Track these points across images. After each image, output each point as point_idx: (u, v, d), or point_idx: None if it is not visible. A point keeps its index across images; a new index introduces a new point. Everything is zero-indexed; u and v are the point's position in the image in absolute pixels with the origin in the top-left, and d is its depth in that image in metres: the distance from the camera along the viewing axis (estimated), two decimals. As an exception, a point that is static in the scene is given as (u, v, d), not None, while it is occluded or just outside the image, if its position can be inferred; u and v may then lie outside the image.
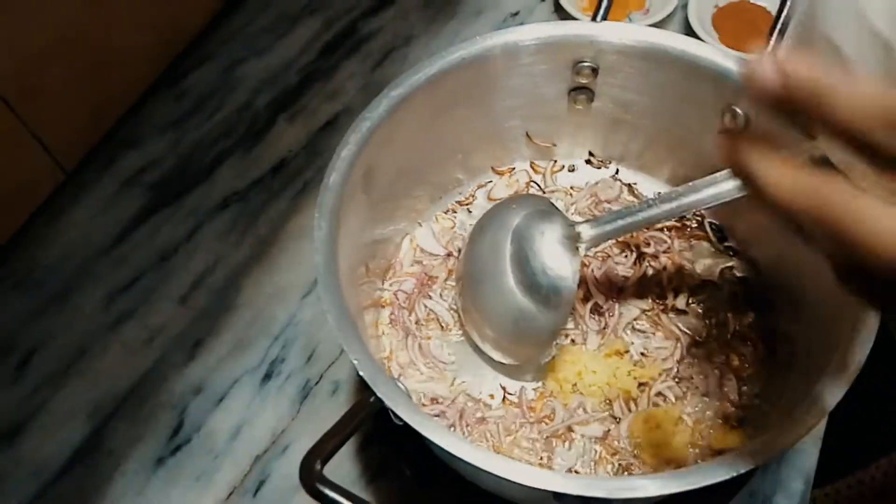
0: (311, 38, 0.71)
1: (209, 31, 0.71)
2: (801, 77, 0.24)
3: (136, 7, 0.63)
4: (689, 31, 0.67)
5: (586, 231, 0.42)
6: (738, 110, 0.42)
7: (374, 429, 0.49)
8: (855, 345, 0.34)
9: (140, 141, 0.65)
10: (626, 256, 0.49)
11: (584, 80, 0.46)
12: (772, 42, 0.41)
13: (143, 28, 0.65)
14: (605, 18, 0.44)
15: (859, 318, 0.34)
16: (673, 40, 0.44)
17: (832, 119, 0.23)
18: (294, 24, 0.72)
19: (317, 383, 0.53)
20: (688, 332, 0.46)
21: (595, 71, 0.45)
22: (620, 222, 0.41)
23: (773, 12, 0.67)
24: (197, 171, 0.63)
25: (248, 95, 0.68)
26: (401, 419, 0.33)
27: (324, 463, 0.30)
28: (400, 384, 0.34)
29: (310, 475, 0.29)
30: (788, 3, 0.41)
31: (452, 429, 0.43)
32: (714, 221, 0.50)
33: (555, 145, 0.52)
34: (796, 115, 0.24)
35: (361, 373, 0.33)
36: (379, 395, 0.31)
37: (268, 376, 0.54)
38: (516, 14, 0.73)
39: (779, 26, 0.39)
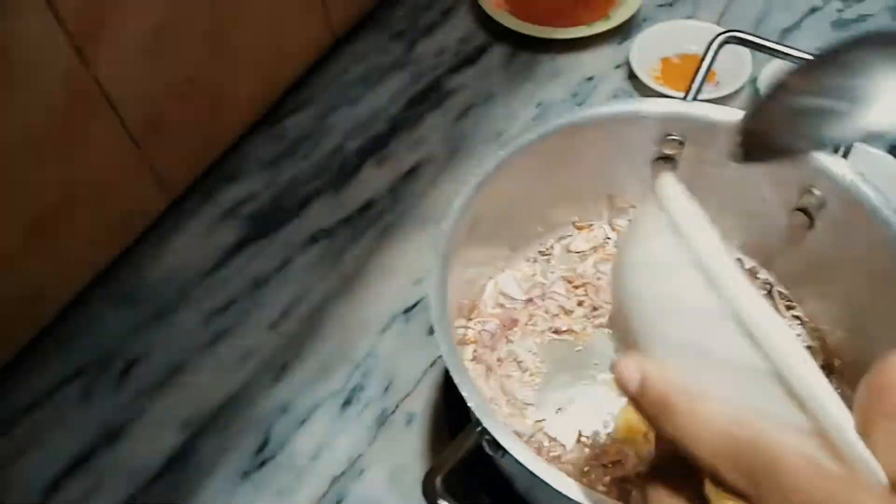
0: (400, 91, 0.77)
1: (307, 79, 0.77)
2: (653, 387, 0.24)
3: (248, 55, 0.69)
4: (756, 107, 0.71)
5: None
6: (816, 191, 0.46)
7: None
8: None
9: (240, 176, 0.70)
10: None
11: (670, 151, 0.50)
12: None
13: (252, 74, 0.71)
14: (695, 98, 0.48)
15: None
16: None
17: (678, 443, 0.23)
18: (384, 76, 0.78)
19: (392, 413, 0.57)
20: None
21: (682, 143, 0.49)
22: None
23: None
24: (290, 207, 0.68)
25: (339, 140, 0.73)
26: (500, 449, 0.36)
27: (444, 481, 0.33)
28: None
29: (432, 491, 0.32)
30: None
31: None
32: (782, 290, 0.53)
33: (633, 207, 0.56)
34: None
35: (470, 404, 0.36)
36: (487, 426, 0.35)
37: (347, 402, 0.57)
38: (591, 79, 0.78)
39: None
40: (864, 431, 0.22)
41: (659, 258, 0.25)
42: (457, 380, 0.36)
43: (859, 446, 0.22)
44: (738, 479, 0.22)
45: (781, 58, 0.53)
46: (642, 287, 0.26)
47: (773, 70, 0.72)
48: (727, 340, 0.23)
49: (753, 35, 0.54)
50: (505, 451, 0.36)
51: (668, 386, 0.24)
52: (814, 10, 0.82)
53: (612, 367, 0.25)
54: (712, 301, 0.23)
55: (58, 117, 0.54)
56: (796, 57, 0.49)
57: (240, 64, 0.68)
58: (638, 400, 0.24)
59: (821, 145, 0.25)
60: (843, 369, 0.49)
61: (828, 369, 0.50)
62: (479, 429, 0.36)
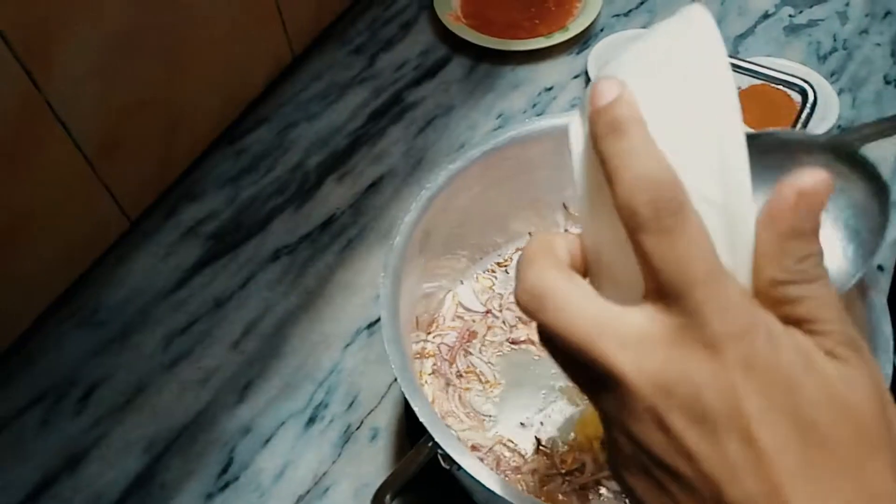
0: (360, 105, 0.77)
1: (266, 95, 0.77)
2: (621, 108, 0.23)
3: (205, 72, 0.69)
4: (712, 113, 0.72)
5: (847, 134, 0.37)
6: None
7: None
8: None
9: (200, 194, 0.70)
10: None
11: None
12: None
13: (210, 91, 0.71)
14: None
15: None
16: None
17: (606, 165, 0.23)
18: (344, 92, 0.78)
19: (357, 429, 0.57)
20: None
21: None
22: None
23: (794, 97, 0.72)
24: (251, 225, 0.68)
25: (300, 156, 0.73)
26: (454, 463, 0.36)
27: (392, 497, 0.33)
28: (452, 431, 0.38)
29: (381, 508, 0.32)
30: (811, 99, 0.46)
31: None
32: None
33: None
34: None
35: (422, 419, 0.36)
36: (438, 441, 0.35)
37: (311, 420, 0.57)
38: (550, 89, 0.78)
39: (800, 123, 0.43)
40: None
41: (663, 64, 0.24)
42: (408, 395, 0.37)
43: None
44: (642, 209, 0.22)
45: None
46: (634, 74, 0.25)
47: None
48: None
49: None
50: (459, 465, 0.36)
51: (634, 111, 0.23)
52: (767, 15, 0.84)
53: (593, 86, 0.24)
54: (700, 119, 0.23)
55: (9, 139, 0.53)
56: (738, 66, 0.50)
57: (197, 82, 0.68)
58: (600, 113, 0.23)
59: None
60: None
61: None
62: (432, 443, 0.36)
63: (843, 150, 0.32)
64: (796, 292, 0.22)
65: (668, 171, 0.22)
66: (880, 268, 0.60)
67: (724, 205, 0.22)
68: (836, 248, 0.32)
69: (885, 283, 0.58)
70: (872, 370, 0.22)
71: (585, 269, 0.26)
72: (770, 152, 0.30)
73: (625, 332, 0.22)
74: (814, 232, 0.22)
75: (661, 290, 0.22)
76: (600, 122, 0.23)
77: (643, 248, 0.22)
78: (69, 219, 0.60)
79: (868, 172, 0.31)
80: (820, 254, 0.22)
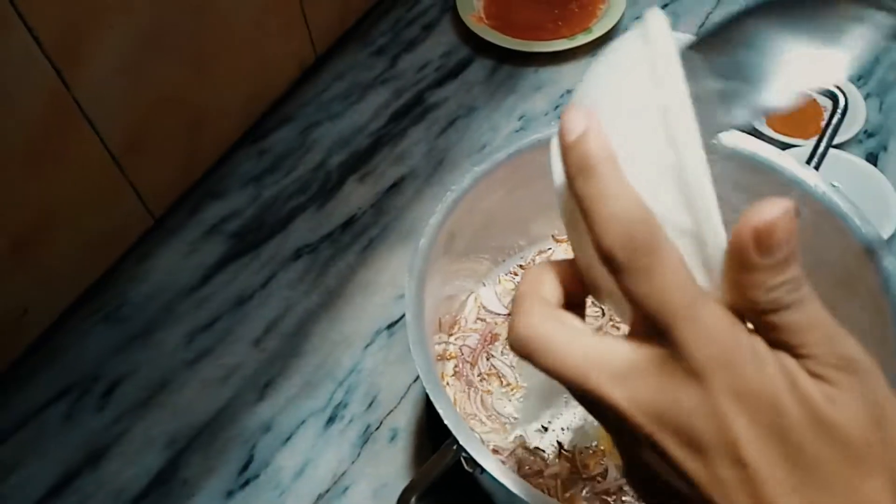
0: (382, 106, 0.77)
1: (290, 95, 0.78)
2: (589, 142, 0.23)
3: (230, 73, 0.69)
4: (736, 117, 0.72)
5: None
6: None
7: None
8: None
9: (223, 192, 0.70)
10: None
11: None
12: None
13: (234, 91, 0.71)
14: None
15: None
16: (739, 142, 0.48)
17: (582, 203, 0.23)
18: (366, 92, 0.78)
19: (377, 429, 0.57)
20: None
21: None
22: None
23: (821, 103, 0.71)
24: (273, 223, 0.68)
25: (322, 156, 0.73)
26: (478, 466, 0.36)
27: (420, 499, 0.33)
28: (476, 434, 0.38)
29: (406, 509, 0.32)
30: (841, 105, 0.45)
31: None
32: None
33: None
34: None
35: (447, 422, 0.36)
36: (463, 445, 0.35)
37: (331, 419, 0.57)
38: (572, 91, 0.78)
39: (830, 129, 0.43)
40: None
41: (626, 91, 0.24)
42: (433, 398, 0.37)
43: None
44: (618, 252, 0.22)
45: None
46: (601, 100, 0.25)
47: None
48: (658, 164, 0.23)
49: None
50: (482, 469, 0.36)
51: (603, 147, 0.23)
52: (792, 19, 0.83)
53: (561, 114, 0.24)
54: (664, 150, 0.23)
55: (38, 137, 0.54)
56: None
57: (221, 82, 0.69)
58: (569, 150, 0.23)
59: (720, 130, 0.25)
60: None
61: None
62: (456, 446, 0.36)
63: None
64: (772, 320, 0.22)
65: (640, 209, 0.22)
66: None
67: (697, 232, 0.22)
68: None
69: None
70: (867, 388, 0.22)
71: (583, 290, 0.27)
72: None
73: (615, 366, 0.23)
74: (781, 264, 0.21)
75: (644, 322, 0.23)
76: (570, 160, 0.23)
77: (623, 287, 0.23)
78: (95, 216, 0.61)
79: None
80: (795, 278, 0.22)
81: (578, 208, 0.23)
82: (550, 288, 0.26)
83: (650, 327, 0.22)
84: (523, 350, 0.24)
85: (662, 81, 0.23)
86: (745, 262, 0.22)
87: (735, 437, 0.22)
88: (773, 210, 0.21)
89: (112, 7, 0.55)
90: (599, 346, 0.23)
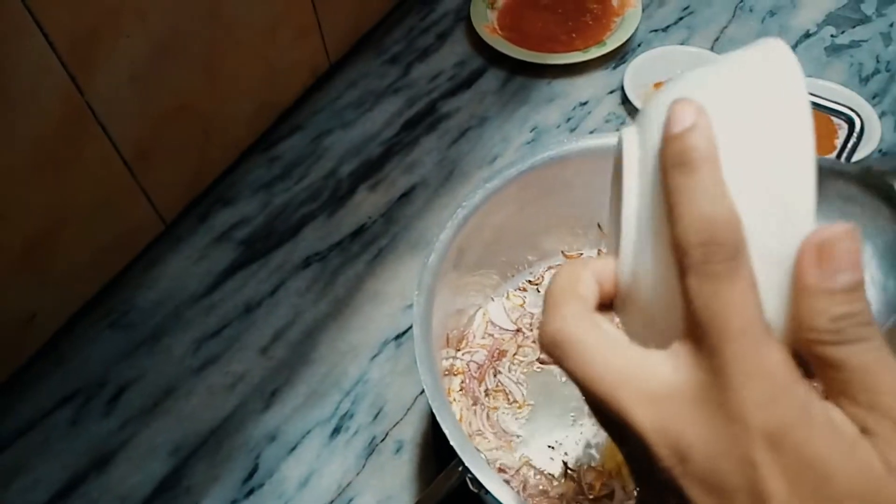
0: (394, 115, 0.77)
1: (301, 103, 0.78)
2: (701, 136, 0.22)
3: (242, 80, 0.69)
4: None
5: (880, 164, 0.33)
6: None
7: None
8: None
9: (234, 199, 0.70)
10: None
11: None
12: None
13: (246, 98, 0.71)
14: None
15: None
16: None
17: (672, 197, 0.22)
18: (379, 100, 0.78)
19: (382, 441, 0.57)
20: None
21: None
22: None
23: (835, 121, 0.71)
24: (283, 231, 0.68)
25: (333, 164, 0.73)
26: (483, 488, 0.36)
27: (422, 523, 0.33)
28: (481, 454, 0.38)
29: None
30: (857, 128, 0.45)
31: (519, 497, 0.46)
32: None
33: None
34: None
35: (452, 442, 0.36)
36: (468, 466, 0.35)
37: (337, 430, 0.57)
38: (585, 104, 0.78)
39: (846, 153, 0.42)
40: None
41: (744, 104, 0.23)
42: (439, 417, 0.37)
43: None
44: (696, 249, 0.21)
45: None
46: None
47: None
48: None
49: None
50: (487, 490, 0.36)
51: (710, 146, 0.21)
52: (808, 35, 0.82)
53: (672, 103, 0.22)
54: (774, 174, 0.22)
55: (51, 142, 0.54)
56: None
57: (234, 89, 0.69)
58: (674, 140, 0.22)
59: None
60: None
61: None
62: (462, 467, 0.36)
63: (873, 183, 0.30)
64: (834, 354, 0.20)
65: (732, 215, 0.21)
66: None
67: (781, 258, 0.21)
68: (874, 282, 0.31)
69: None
70: None
71: (614, 296, 0.25)
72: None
73: (648, 387, 0.21)
74: (849, 290, 0.20)
75: (695, 334, 0.21)
76: (673, 149, 0.22)
77: (687, 288, 0.21)
78: (106, 221, 0.61)
79: None
80: (861, 313, 0.20)
81: (665, 200, 0.22)
82: (587, 286, 0.24)
83: (698, 341, 0.21)
84: (553, 350, 0.23)
85: (788, 106, 0.22)
86: (807, 284, 0.20)
87: (769, 494, 0.19)
88: (834, 229, 0.20)
89: (127, 14, 0.56)
90: (638, 361, 0.22)
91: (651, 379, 0.21)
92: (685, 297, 0.21)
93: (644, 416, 0.21)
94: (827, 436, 0.20)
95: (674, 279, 0.22)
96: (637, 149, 0.24)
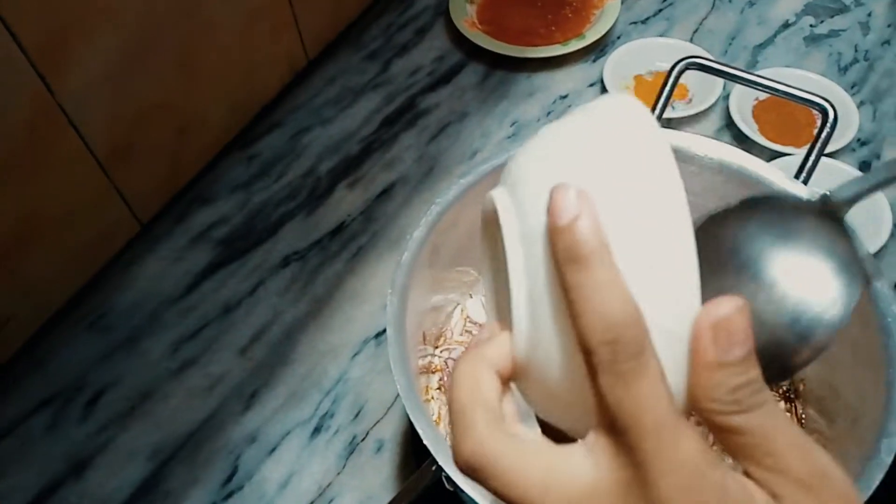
0: (373, 111, 0.77)
1: (279, 101, 0.77)
2: (584, 229, 0.21)
3: (219, 78, 0.68)
4: (730, 123, 0.71)
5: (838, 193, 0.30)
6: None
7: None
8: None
9: (211, 199, 0.70)
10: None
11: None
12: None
13: (223, 96, 0.70)
14: (659, 120, 0.48)
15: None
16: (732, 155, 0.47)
17: (574, 307, 0.22)
18: (358, 97, 0.78)
19: (363, 440, 0.56)
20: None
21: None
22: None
23: (815, 111, 0.71)
24: (262, 230, 0.68)
25: (311, 162, 0.73)
26: (456, 486, 0.35)
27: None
28: (456, 452, 0.37)
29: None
30: (831, 118, 0.45)
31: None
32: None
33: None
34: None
35: (426, 442, 0.36)
36: (442, 465, 0.34)
37: (317, 430, 0.57)
38: (565, 97, 0.78)
39: (820, 142, 0.42)
40: None
41: (617, 171, 0.23)
42: (413, 417, 0.36)
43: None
44: (602, 350, 0.21)
45: (741, 83, 0.53)
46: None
47: (743, 88, 0.72)
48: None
49: (713, 61, 0.54)
50: (461, 489, 0.35)
51: (598, 235, 0.21)
52: (787, 25, 0.82)
53: (552, 192, 0.22)
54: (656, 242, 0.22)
55: (22, 144, 0.53)
56: (754, 82, 0.49)
57: (210, 87, 0.68)
58: (561, 233, 0.21)
59: None
60: (806, 394, 0.49)
61: (794, 392, 0.50)
62: (435, 466, 0.36)
63: (830, 214, 0.30)
64: (735, 423, 0.21)
65: (632, 310, 0.21)
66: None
67: (674, 335, 0.21)
68: (823, 279, 0.29)
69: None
70: None
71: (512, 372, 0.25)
72: (763, 211, 0.29)
73: (572, 492, 0.21)
74: (743, 361, 0.21)
75: (613, 430, 0.21)
76: (563, 243, 0.21)
77: (598, 386, 0.21)
78: (80, 222, 0.61)
79: (851, 241, 0.30)
80: (756, 381, 0.21)
81: (565, 297, 0.22)
82: (490, 390, 0.24)
83: (616, 435, 0.21)
84: (472, 473, 0.23)
85: (657, 169, 0.22)
86: (705, 360, 0.21)
87: None
88: (726, 307, 0.21)
89: (98, 13, 0.55)
90: (556, 465, 0.22)
91: (574, 482, 0.22)
92: (596, 392, 0.22)
93: None
94: None
95: (574, 358, 0.22)
96: (517, 225, 0.24)
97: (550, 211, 0.22)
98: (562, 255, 0.22)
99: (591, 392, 0.22)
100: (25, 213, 0.56)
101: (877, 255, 0.60)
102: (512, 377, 0.25)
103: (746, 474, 0.22)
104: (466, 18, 0.81)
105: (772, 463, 0.21)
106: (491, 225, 0.26)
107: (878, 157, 0.69)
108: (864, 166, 0.68)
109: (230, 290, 0.64)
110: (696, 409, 0.22)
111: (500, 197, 0.24)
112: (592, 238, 0.21)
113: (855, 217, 0.36)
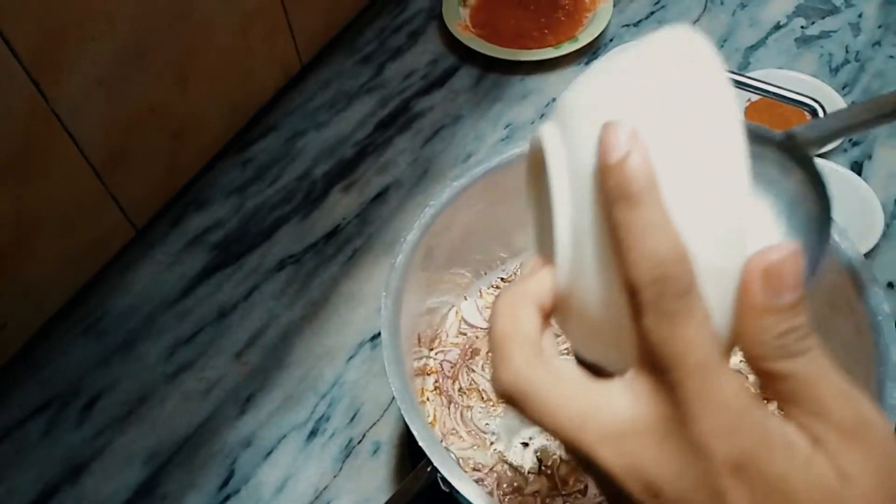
0: (367, 115, 0.77)
1: (274, 105, 0.77)
2: (638, 168, 0.21)
3: (213, 82, 0.69)
4: (721, 126, 0.72)
5: (804, 132, 0.31)
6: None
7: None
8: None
9: (206, 203, 0.70)
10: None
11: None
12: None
13: (217, 101, 0.71)
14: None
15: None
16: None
17: (619, 234, 0.22)
18: (352, 101, 0.78)
19: (359, 443, 0.56)
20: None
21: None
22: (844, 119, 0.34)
23: (806, 112, 0.71)
24: (257, 234, 0.68)
25: (306, 165, 0.73)
26: (452, 487, 0.36)
27: (389, 525, 0.33)
28: (451, 454, 0.38)
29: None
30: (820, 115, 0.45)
31: (490, 496, 0.46)
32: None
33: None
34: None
35: (421, 444, 0.36)
36: (437, 466, 0.34)
37: (313, 433, 0.57)
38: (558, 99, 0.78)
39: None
40: None
41: (671, 109, 0.22)
42: (408, 419, 0.36)
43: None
44: (648, 289, 0.21)
45: (734, 86, 0.54)
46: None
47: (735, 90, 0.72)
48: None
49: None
50: (457, 490, 0.36)
51: (648, 174, 0.21)
52: (778, 26, 0.83)
53: (603, 129, 0.22)
54: (709, 179, 0.21)
55: (16, 150, 0.53)
56: (745, 84, 0.50)
57: (204, 91, 0.68)
58: (611, 172, 0.21)
59: None
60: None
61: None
62: (431, 467, 0.36)
63: (792, 147, 0.31)
64: (781, 368, 0.21)
65: (679, 248, 0.21)
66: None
67: (723, 276, 0.21)
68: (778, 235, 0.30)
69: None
70: (883, 460, 0.21)
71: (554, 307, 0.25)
72: None
73: (611, 426, 0.22)
74: (792, 307, 0.21)
75: (652, 368, 0.21)
76: (612, 181, 0.21)
77: (642, 325, 0.21)
78: (75, 227, 0.61)
79: (817, 181, 0.30)
80: (803, 327, 0.21)
81: (613, 234, 0.22)
82: (529, 322, 0.24)
83: (658, 374, 0.21)
84: (512, 402, 0.23)
85: (715, 106, 0.22)
86: (753, 304, 0.21)
87: None
88: (781, 251, 0.21)
89: (92, 18, 0.55)
90: (596, 399, 0.22)
91: (612, 416, 0.22)
92: (639, 330, 0.22)
93: (611, 456, 0.22)
94: (785, 456, 0.20)
95: (617, 292, 0.22)
96: (564, 158, 0.23)
97: (601, 148, 0.22)
98: (612, 193, 0.21)
99: (633, 329, 0.22)
100: (20, 218, 0.56)
101: (868, 255, 0.61)
102: (553, 312, 0.25)
103: (789, 417, 0.21)
104: (460, 22, 0.82)
105: (816, 408, 0.21)
106: (538, 159, 0.25)
107: (869, 157, 0.70)
108: (856, 167, 0.69)
109: (225, 294, 0.64)
110: (741, 351, 0.22)
111: (549, 130, 0.24)
112: (643, 176, 0.21)
113: (847, 217, 0.36)
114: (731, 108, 0.22)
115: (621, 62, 0.24)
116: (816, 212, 0.29)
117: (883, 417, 0.21)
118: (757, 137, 0.30)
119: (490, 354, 0.24)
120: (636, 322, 0.21)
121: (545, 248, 0.26)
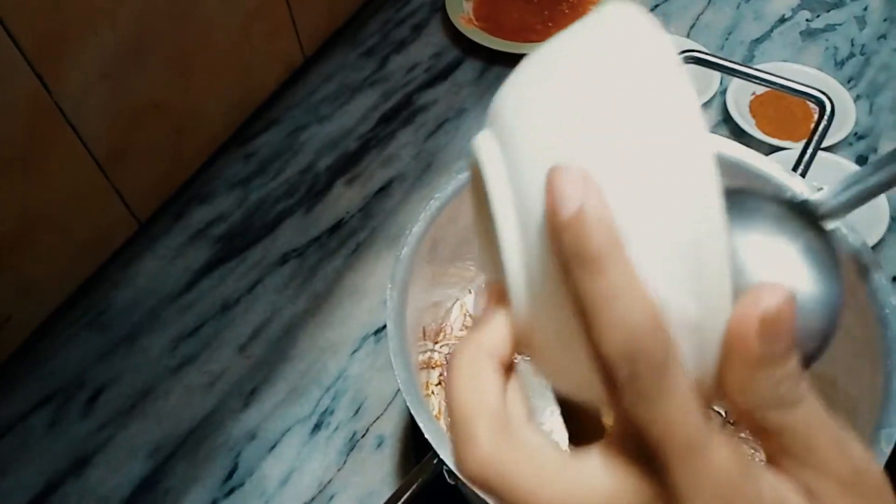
0: (370, 108, 0.77)
1: (277, 98, 0.77)
2: (593, 219, 0.18)
3: (216, 76, 0.68)
4: (727, 117, 0.71)
5: (828, 200, 0.29)
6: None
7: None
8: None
9: (209, 196, 0.70)
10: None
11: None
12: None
13: (220, 94, 0.70)
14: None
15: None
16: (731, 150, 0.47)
17: (588, 310, 0.19)
18: (355, 94, 0.78)
19: (363, 436, 0.56)
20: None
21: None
22: (872, 180, 0.30)
23: (812, 105, 0.71)
24: (260, 227, 0.68)
25: (310, 159, 0.73)
26: (459, 479, 0.36)
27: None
28: (457, 446, 0.37)
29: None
30: (828, 111, 0.45)
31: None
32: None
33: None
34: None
35: (427, 436, 0.36)
36: (444, 459, 0.34)
37: (317, 426, 0.57)
38: (562, 94, 0.78)
39: (817, 135, 0.42)
40: None
41: (629, 134, 0.18)
42: (413, 411, 0.36)
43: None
44: (621, 367, 0.18)
45: (738, 76, 0.54)
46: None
47: (740, 82, 0.72)
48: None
49: (710, 55, 0.54)
50: (463, 482, 0.35)
51: (609, 230, 0.18)
52: (783, 20, 0.82)
53: (549, 175, 0.18)
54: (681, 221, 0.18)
55: (20, 144, 0.53)
56: (752, 75, 0.49)
57: (207, 85, 0.68)
58: (564, 230, 0.18)
59: None
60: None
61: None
62: (437, 459, 0.36)
63: (814, 220, 0.28)
64: (776, 420, 0.19)
65: (653, 318, 0.18)
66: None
67: (707, 321, 0.19)
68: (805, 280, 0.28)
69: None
70: None
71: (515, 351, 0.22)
72: (747, 206, 0.27)
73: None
74: (785, 353, 0.19)
75: (636, 449, 0.20)
76: (566, 242, 0.18)
77: (619, 403, 0.19)
78: (79, 221, 0.61)
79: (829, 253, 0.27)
80: (796, 371, 0.19)
81: (573, 299, 0.19)
82: (490, 390, 0.21)
83: (640, 455, 0.19)
84: (482, 488, 0.21)
85: (675, 116, 0.18)
86: (750, 353, 0.19)
87: None
88: (775, 295, 0.19)
89: (95, 13, 0.55)
90: (573, 480, 0.20)
91: (590, 495, 0.20)
92: (616, 408, 0.20)
93: None
94: None
95: (578, 339, 0.19)
96: (508, 187, 0.20)
97: (548, 199, 0.19)
98: (567, 253, 0.18)
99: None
100: (24, 211, 0.56)
101: (875, 247, 0.60)
102: (516, 352, 0.22)
103: (782, 469, 0.20)
104: (463, 15, 0.81)
105: (813, 461, 0.20)
106: (478, 175, 0.22)
107: (874, 150, 0.69)
108: (862, 160, 0.69)
109: (229, 287, 0.64)
110: (731, 405, 0.20)
111: (486, 146, 0.21)
112: (602, 234, 0.18)
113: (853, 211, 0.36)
114: (692, 115, 0.18)
115: (562, 63, 0.20)
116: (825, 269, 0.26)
117: (874, 463, 0.20)
118: (764, 197, 0.28)
119: (451, 428, 0.21)
120: (611, 397, 0.19)
121: (496, 272, 0.22)
